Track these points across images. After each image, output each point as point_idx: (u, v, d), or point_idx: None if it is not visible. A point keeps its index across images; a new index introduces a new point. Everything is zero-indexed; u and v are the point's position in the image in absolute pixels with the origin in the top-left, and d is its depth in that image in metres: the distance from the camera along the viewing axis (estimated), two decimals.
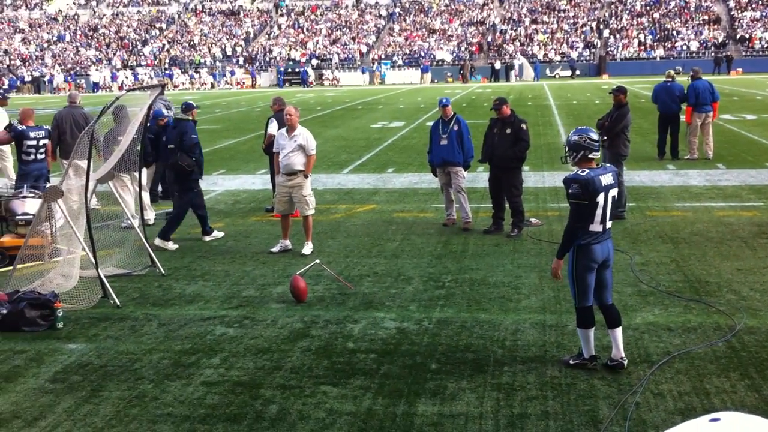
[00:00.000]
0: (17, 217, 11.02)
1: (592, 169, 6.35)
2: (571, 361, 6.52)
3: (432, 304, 8.30)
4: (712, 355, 6.69)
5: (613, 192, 6.35)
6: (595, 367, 6.42)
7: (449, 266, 9.77)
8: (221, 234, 11.78)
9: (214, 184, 16.66)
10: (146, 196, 12.52)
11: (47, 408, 6.01)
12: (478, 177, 15.34)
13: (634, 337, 7.04)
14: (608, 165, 6.67)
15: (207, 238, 11.59)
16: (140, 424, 5.67)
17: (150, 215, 12.68)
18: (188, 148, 11.39)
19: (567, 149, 6.56)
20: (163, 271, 9.80)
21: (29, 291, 8.35)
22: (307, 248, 10.60)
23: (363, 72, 65.13)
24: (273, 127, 12.79)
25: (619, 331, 6.43)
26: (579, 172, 6.31)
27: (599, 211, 6.24)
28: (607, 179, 6.30)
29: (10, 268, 9.20)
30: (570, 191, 6.27)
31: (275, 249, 10.75)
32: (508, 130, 11.31)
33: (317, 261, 9.37)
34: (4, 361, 7.07)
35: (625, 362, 6.36)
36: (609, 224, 6.35)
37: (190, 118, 11.95)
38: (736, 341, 6.98)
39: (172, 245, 11.19)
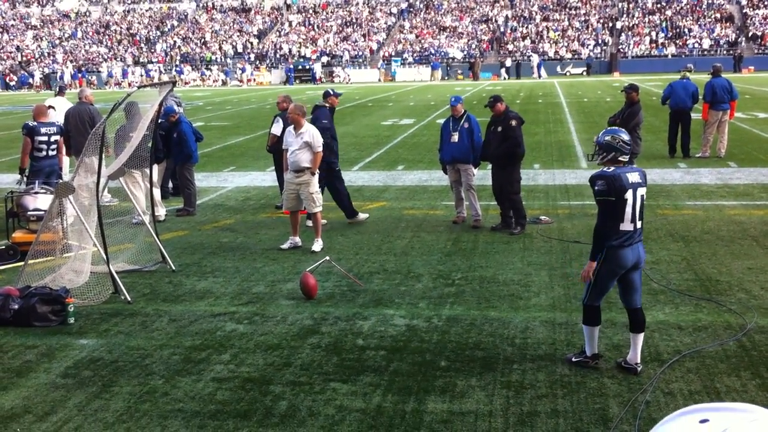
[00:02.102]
0: (29, 212, 11.08)
1: (618, 167, 6.31)
2: (573, 359, 6.51)
3: (442, 301, 8.30)
4: (722, 354, 6.67)
5: (642, 191, 6.26)
6: (597, 365, 6.41)
7: (459, 264, 9.77)
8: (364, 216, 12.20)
9: (224, 181, 16.70)
10: (157, 193, 12.56)
11: (58, 403, 6.05)
12: (488, 175, 15.28)
13: (644, 336, 7.01)
14: (635, 165, 6.62)
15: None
16: (151, 420, 5.70)
17: (161, 211, 12.72)
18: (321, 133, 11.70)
19: (597, 148, 6.46)
20: (174, 267, 9.83)
21: (41, 286, 8.39)
22: (317, 245, 10.62)
23: (344, 69, 64.93)
24: (277, 128, 12.97)
25: (641, 336, 6.35)
26: (604, 169, 6.27)
27: (629, 209, 6.17)
28: (634, 177, 6.23)
29: (22, 263, 9.24)
30: (596, 188, 6.20)
31: (285, 246, 10.78)
32: (500, 128, 11.31)
33: (327, 258, 9.39)
34: (15, 356, 7.12)
35: (639, 368, 6.30)
36: (640, 224, 6.29)
37: (327, 105, 12.22)
38: (747, 340, 6.96)
39: (362, 216, 12.28)
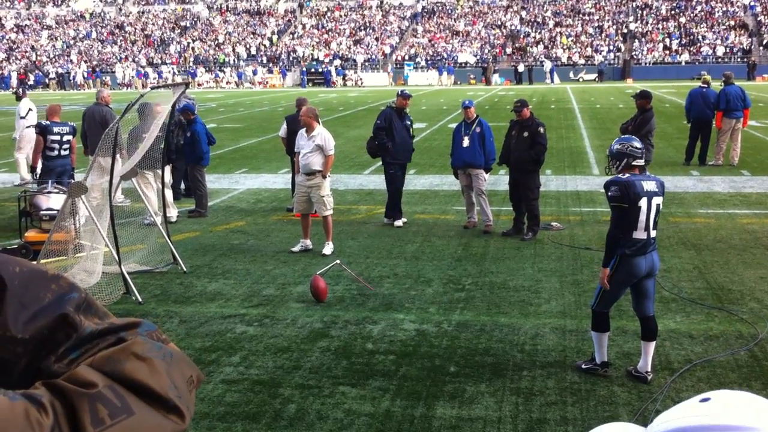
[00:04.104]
0: (41, 212, 11.13)
1: (634, 174, 6.32)
2: (583, 366, 6.50)
3: (452, 306, 8.29)
4: (733, 363, 6.64)
5: (658, 200, 6.26)
6: (606, 373, 6.39)
7: (469, 269, 9.75)
8: (401, 222, 12.28)
9: (236, 183, 16.74)
10: (169, 194, 12.60)
11: None
12: (500, 180, 15.31)
13: (655, 344, 6.99)
14: (653, 175, 6.65)
15: (396, 223, 12.25)
16: None
17: (173, 213, 12.76)
18: (374, 132, 12.23)
19: (609, 159, 6.54)
20: (185, 269, 9.86)
21: None
22: (328, 248, 10.63)
23: (339, 74, 64.98)
24: (282, 130, 13.40)
25: (652, 345, 6.34)
26: (619, 176, 6.30)
27: (642, 218, 6.17)
28: (650, 185, 6.24)
29: (34, 263, 9.26)
30: (609, 194, 6.23)
31: (296, 248, 10.79)
32: (526, 133, 11.27)
33: (337, 261, 9.39)
34: None
35: (650, 377, 6.28)
36: (654, 233, 6.29)
37: (393, 105, 12.46)
38: (758, 350, 6.92)
39: (399, 222, 12.24)
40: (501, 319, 7.87)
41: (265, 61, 70.40)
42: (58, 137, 12.27)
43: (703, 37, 64.69)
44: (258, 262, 10.30)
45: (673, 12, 69.22)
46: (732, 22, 65.97)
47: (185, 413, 0.98)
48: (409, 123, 12.59)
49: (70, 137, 12.44)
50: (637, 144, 6.47)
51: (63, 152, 12.37)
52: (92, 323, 1.03)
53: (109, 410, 0.92)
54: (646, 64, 63.31)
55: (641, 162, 6.45)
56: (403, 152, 12.38)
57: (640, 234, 6.20)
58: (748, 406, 1.06)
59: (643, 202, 6.16)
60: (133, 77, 67.69)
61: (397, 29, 74.00)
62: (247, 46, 73.59)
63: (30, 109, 16.80)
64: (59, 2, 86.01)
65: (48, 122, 12.40)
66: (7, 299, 0.98)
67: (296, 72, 67.87)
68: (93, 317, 1.04)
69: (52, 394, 0.92)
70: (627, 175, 6.30)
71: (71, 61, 73.87)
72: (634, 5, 71.09)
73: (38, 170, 12.42)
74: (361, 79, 64.44)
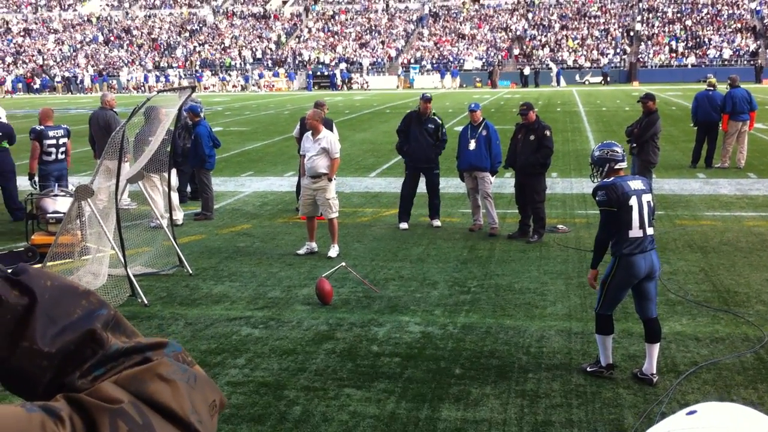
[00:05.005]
0: (48, 215, 11.17)
1: (617, 176, 6.42)
2: (588, 368, 6.50)
3: (457, 309, 8.29)
4: (739, 366, 6.62)
5: (647, 197, 6.33)
6: (611, 375, 6.39)
7: (475, 271, 9.75)
8: (406, 225, 12.26)
9: (242, 186, 16.77)
10: (175, 197, 12.63)
11: None
12: (506, 182, 15.29)
13: (661, 347, 6.97)
14: (637, 175, 6.74)
15: (402, 225, 12.28)
16: None
17: (179, 215, 12.79)
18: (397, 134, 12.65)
19: (592, 167, 6.67)
20: (191, 271, 9.88)
21: None
22: (333, 251, 10.64)
23: (362, 76, 65.03)
24: (295, 130, 13.49)
25: (656, 347, 6.34)
26: (604, 180, 6.40)
27: (636, 216, 6.22)
28: (636, 184, 6.33)
29: (41, 265, 9.31)
30: (597, 199, 6.32)
31: (301, 251, 10.80)
32: (532, 137, 11.26)
33: (343, 264, 9.40)
34: None
35: (655, 379, 6.27)
36: (650, 231, 6.31)
37: (417, 109, 12.61)
38: (764, 353, 6.90)
39: (405, 224, 12.28)
40: (506, 321, 7.87)
41: (270, 65, 70.49)
42: (54, 141, 12.26)
43: (710, 40, 64.57)
44: (263, 264, 10.31)
45: (679, 15, 69.11)
46: (738, 25, 65.80)
47: None
48: (432, 127, 12.42)
49: (65, 140, 12.43)
50: (617, 148, 6.63)
51: (60, 156, 12.36)
52: (119, 341, 1.02)
53: (129, 427, 0.91)
54: (652, 66, 63.20)
55: (623, 165, 6.59)
56: (418, 157, 12.26)
57: (636, 233, 6.24)
58: (734, 417, 1.07)
59: (633, 201, 6.22)
60: (128, 80, 67.83)
61: (403, 32, 74.03)
62: (253, 49, 73.71)
63: None
64: (66, 6, 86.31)
65: (42, 127, 12.36)
66: (36, 312, 0.98)
67: (302, 75, 67.95)
68: (120, 335, 1.04)
69: (72, 407, 0.91)
70: (611, 178, 6.39)
71: (78, 64, 74.09)
72: (639, 8, 71.01)
73: (36, 177, 12.35)
74: (367, 82, 64.45)
